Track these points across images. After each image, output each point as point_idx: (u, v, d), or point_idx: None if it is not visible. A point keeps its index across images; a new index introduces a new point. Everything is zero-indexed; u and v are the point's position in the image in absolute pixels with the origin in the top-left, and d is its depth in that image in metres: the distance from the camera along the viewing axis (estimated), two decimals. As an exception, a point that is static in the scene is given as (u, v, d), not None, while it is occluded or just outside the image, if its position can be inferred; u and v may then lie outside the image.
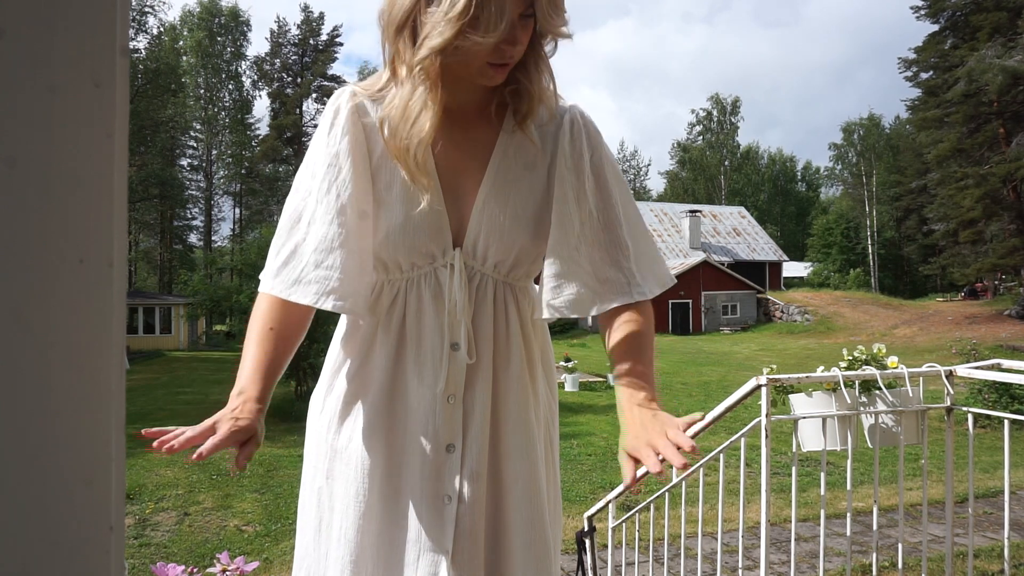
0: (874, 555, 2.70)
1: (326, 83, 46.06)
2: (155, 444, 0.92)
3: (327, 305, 1.05)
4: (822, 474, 2.57)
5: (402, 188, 1.07)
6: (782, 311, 33.32)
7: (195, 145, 45.14)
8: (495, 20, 0.96)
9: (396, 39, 1.03)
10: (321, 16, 47.08)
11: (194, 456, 0.89)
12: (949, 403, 2.59)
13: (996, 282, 33.11)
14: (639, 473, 0.92)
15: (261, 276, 1.11)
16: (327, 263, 1.05)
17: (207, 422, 0.97)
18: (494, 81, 1.04)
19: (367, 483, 1.05)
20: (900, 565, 2.65)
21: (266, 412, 1.06)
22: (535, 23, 1.02)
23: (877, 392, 2.51)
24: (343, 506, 1.06)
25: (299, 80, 46.32)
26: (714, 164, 57.56)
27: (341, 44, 47.91)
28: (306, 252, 1.06)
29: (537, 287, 1.17)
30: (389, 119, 1.05)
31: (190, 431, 0.94)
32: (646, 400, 1.02)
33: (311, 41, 46.81)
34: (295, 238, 1.08)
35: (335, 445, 1.09)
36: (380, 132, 1.08)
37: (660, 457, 0.88)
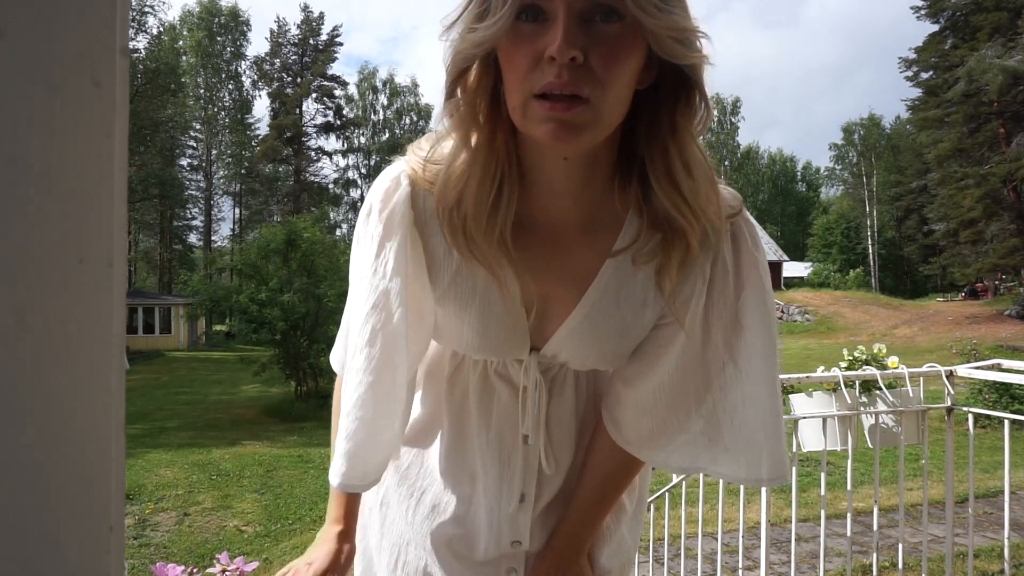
0: (874, 555, 2.70)
1: (326, 83, 46.05)
2: None
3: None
4: (822, 474, 2.57)
5: (481, 309, 0.87)
6: (782, 311, 33.33)
7: (195, 145, 45.14)
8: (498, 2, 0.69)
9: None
10: (321, 16, 47.06)
11: None
12: (949, 403, 2.59)
13: (996, 282, 33.09)
14: None
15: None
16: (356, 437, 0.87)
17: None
18: (550, 135, 0.72)
19: (416, 528, 0.99)
20: (900, 565, 2.65)
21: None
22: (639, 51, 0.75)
23: (877, 392, 2.51)
24: (392, 540, 1.02)
25: (299, 80, 46.28)
26: (714, 164, 57.45)
27: (341, 44, 47.80)
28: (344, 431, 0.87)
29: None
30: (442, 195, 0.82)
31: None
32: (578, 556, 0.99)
33: (311, 41, 46.78)
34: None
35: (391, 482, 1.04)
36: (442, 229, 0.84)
37: None
